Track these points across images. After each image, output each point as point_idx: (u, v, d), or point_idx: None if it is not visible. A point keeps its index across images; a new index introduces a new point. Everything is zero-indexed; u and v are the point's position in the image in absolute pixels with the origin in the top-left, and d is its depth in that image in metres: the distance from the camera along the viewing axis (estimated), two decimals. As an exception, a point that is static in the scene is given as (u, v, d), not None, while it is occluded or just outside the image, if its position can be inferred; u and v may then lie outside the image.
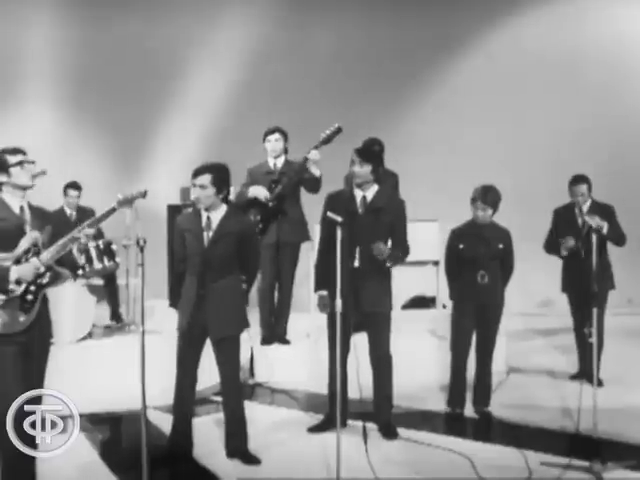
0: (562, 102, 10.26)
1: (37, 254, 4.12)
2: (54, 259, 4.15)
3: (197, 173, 4.88)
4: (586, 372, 6.23)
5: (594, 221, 5.69)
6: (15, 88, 9.86)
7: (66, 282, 4.35)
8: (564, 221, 6.69)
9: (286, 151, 6.93)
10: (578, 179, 6.60)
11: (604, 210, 6.49)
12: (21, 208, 4.18)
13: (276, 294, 7.04)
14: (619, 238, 6.54)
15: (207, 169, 4.89)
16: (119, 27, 10.07)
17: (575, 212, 6.56)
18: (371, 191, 5.43)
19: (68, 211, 7.97)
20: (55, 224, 4.37)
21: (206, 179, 4.84)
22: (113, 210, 4.26)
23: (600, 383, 6.31)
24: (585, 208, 6.53)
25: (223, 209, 4.95)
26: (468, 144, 10.15)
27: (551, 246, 6.77)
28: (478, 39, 10.74)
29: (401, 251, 5.42)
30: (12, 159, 4.13)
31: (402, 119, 10.37)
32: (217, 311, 4.89)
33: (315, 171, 6.60)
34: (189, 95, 10.39)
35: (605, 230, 6.24)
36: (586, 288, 6.03)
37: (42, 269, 4.11)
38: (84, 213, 7.92)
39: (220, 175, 4.91)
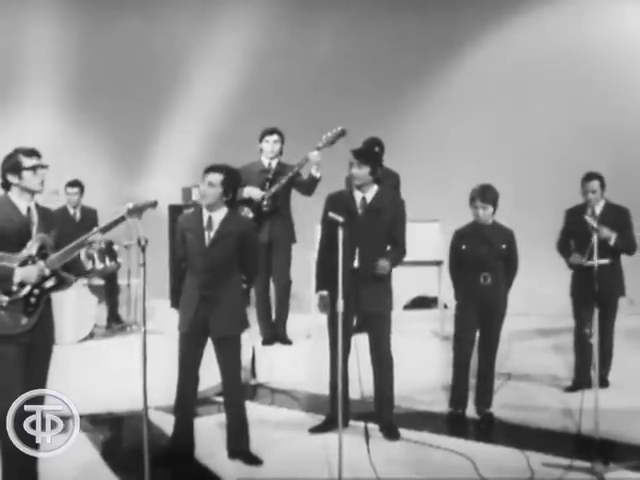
0: (563, 102, 10.25)
1: (44, 257, 4.11)
2: (60, 264, 4.13)
3: (210, 170, 4.91)
4: (583, 384, 6.11)
5: (602, 232, 5.62)
6: (16, 88, 9.87)
7: (69, 287, 4.33)
8: (575, 223, 6.39)
9: (281, 152, 6.94)
10: (590, 176, 6.38)
11: (618, 213, 6.31)
12: (28, 209, 4.17)
13: (273, 295, 7.04)
14: (629, 247, 6.34)
15: (221, 169, 4.91)
16: (119, 27, 10.08)
17: (587, 214, 6.44)
18: (371, 192, 5.43)
19: (71, 210, 7.97)
20: (59, 224, 4.36)
21: (217, 178, 4.87)
22: (122, 219, 4.21)
23: (606, 383, 6.28)
24: (598, 209, 6.35)
25: (224, 210, 4.96)
26: (469, 144, 10.14)
27: (562, 248, 6.57)
28: (479, 39, 10.74)
29: (398, 253, 5.44)
30: (27, 162, 4.11)
31: (403, 119, 10.36)
32: (219, 311, 4.88)
33: (315, 173, 6.61)
34: (190, 95, 10.40)
35: (613, 241, 6.15)
36: (592, 294, 6.01)
37: (47, 272, 4.10)
38: (88, 214, 7.93)
39: (231, 178, 4.94)
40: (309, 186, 6.70)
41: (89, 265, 4.34)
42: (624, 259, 6.51)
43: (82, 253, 4.22)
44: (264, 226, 6.76)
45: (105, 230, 4.25)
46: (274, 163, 6.90)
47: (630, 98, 10.43)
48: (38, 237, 4.13)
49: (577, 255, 6.31)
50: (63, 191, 7.93)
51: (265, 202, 6.73)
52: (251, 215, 6.69)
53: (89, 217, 7.86)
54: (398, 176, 7.41)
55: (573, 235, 6.48)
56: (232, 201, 4.99)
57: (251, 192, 6.75)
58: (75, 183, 8.00)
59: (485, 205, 5.73)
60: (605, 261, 5.36)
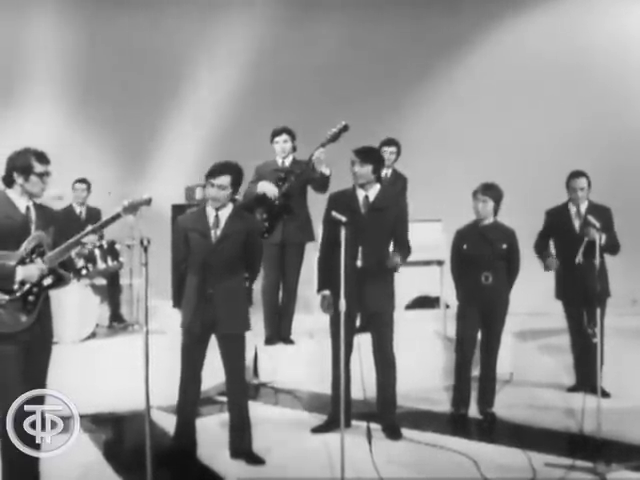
0: (564, 103, 10.23)
1: (42, 255, 4.11)
2: (58, 261, 4.14)
3: (216, 173, 4.88)
4: (584, 383, 6.10)
5: (597, 235, 5.54)
6: (19, 88, 9.87)
7: (67, 285, 4.33)
8: (558, 223, 6.42)
9: (294, 149, 6.92)
10: (578, 173, 6.34)
11: (601, 212, 6.19)
12: (27, 207, 4.18)
13: (280, 294, 7.03)
14: (613, 247, 6.26)
15: (227, 170, 4.89)
16: (124, 27, 10.08)
17: (570, 214, 6.36)
18: (373, 191, 5.43)
19: (78, 209, 8.08)
20: (63, 222, 4.36)
21: (226, 180, 4.86)
22: (118, 216, 4.22)
23: (606, 394, 6.15)
24: (583, 208, 6.31)
25: (229, 207, 4.97)
26: (472, 143, 10.13)
27: (541, 249, 6.50)
28: (481, 39, 10.73)
29: (404, 251, 5.43)
30: (38, 167, 4.12)
31: (406, 119, 10.35)
32: (224, 309, 4.88)
33: (325, 170, 6.55)
34: (193, 95, 10.39)
35: (603, 241, 5.93)
36: (583, 294, 5.97)
37: (46, 271, 4.10)
38: (92, 213, 7.99)
39: (238, 177, 4.95)
40: (321, 184, 6.64)
41: (80, 263, 4.34)
42: (625, 259, 6.49)
43: (73, 251, 4.22)
44: (277, 226, 6.73)
45: (102, 227, 4.26)
46: (288, 161, 6.87)
47: (631, 99, 10.40)
48: (36, 235, 4.13)
49: (554, 260, 6.32)
50: (70, 189, 8.00)
51: (277, 201, 6.68)
52: (265, 216, 6.65)
53: (94, 216, 7.90)
54: (406, 179, 7.41)
55: (553, 236, 6.49)
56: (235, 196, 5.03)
57: (264, 187, 6.68)
58: (83, 180, 8.18)
59: (485, 198, 5.73)
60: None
